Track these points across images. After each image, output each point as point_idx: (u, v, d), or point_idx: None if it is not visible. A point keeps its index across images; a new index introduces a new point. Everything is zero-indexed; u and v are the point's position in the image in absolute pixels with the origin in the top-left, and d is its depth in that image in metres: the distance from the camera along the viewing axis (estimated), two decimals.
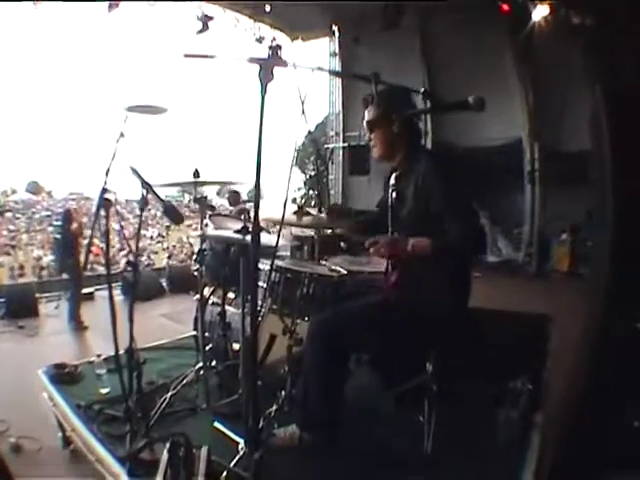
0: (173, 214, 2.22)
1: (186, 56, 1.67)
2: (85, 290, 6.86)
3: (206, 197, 2.99)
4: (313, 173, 25.55)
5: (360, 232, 2.82)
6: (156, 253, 26.63)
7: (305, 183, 29.88)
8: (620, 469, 2.00)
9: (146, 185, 2.22)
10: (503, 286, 7.75)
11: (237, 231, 2.43)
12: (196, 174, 2.72)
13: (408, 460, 2.40)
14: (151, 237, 29.56)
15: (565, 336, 2.47)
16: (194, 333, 3.70)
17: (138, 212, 2.33)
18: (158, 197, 2.23)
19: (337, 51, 11.86)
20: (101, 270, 10.28)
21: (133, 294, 2.43)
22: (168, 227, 28.84)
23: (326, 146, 12.26)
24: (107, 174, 2.32)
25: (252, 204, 1.72)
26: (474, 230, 2.24)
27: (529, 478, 2.23)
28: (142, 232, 2.60)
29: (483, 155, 9.13)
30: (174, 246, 27.47)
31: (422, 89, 2.00)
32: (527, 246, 9.67)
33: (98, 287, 7.22)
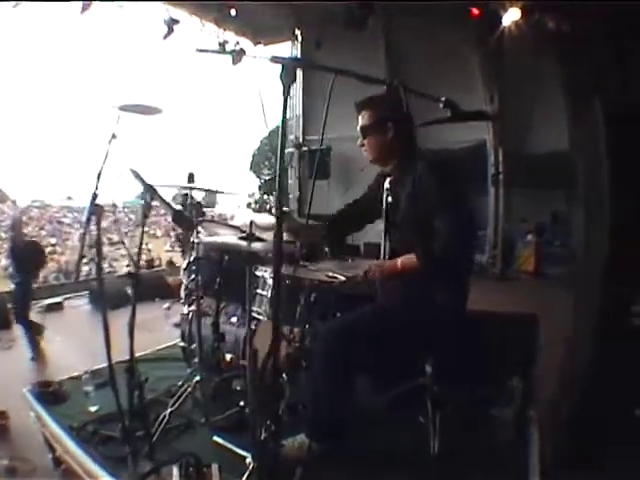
0: (183, 220, 2.10)
1: (198, 51, 1.62)
2: (54, 300, 6.68)
3: (199, 202, 2.85)
4: (268, 177, 25.54)
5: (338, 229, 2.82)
6: (116, 260, 25.66)
7: (260, 188, 29.42)
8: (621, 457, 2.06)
9: (150, 189, 2.09)
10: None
11: (242, 238, 2.33)
12: (191, 179, 2.61)
13: (416, 463, 2.39)
14: (110, 243, 28.38)
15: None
16: (173, 343, 3.63)
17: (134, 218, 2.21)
18: (165, 202, 2.08)
19: (299, 56, 11.67)
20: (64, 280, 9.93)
21: (134, 306, 2.31)
22: (126, 233, 27.99)
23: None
24: (99, 178, 2.14)
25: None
26: (461, 237, 2.23)
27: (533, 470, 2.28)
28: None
29: (447, 158, 9.19)
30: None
31: (444, 98, 1.95)
32: (491, 248, 9.78)
33: (67, 296, 6.93)
